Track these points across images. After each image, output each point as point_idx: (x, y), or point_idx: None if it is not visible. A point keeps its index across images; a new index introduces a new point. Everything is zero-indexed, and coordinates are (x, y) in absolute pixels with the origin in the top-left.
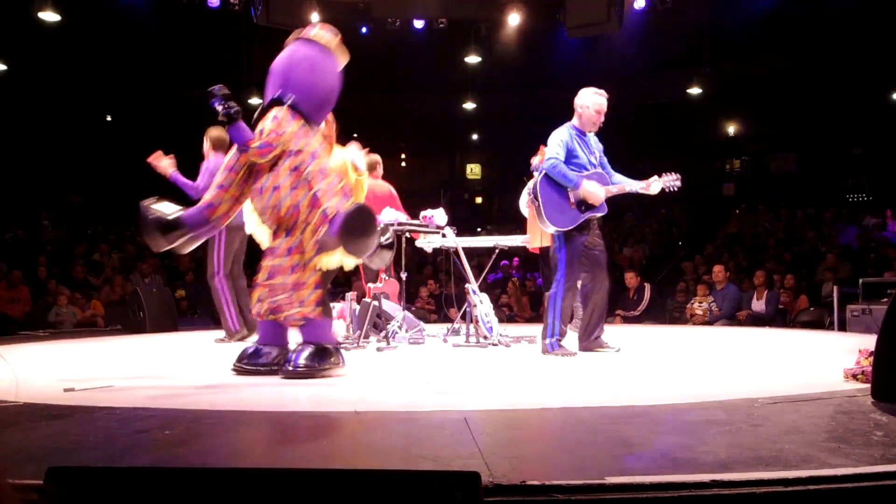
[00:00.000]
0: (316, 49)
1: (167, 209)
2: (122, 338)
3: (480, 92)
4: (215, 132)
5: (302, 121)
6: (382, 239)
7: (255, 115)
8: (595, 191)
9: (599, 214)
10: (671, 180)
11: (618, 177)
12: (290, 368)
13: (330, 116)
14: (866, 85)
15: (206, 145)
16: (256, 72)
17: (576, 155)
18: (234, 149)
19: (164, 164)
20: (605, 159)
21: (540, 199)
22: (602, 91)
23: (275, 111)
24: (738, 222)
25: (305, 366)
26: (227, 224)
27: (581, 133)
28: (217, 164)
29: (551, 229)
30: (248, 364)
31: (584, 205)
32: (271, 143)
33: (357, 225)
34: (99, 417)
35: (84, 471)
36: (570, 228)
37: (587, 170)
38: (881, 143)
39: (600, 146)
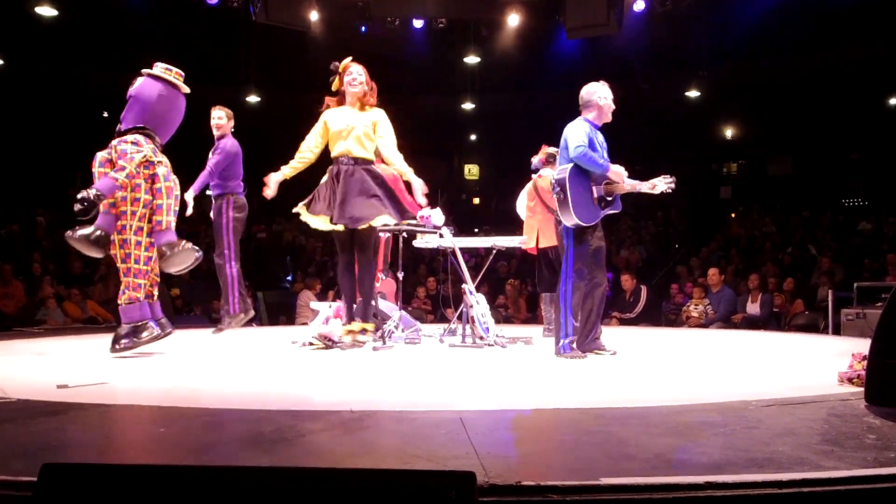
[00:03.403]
0: (172, 90)
1: (87, 229)
2: None
3: (479, 92)
4: (231, 112)
5: (153, 143)
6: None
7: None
8: (621, 171)
9: (615, 212)
10: (668, 181)
11: None
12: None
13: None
14: (863, 90)
15: (230, 124)
16: (255, 69)
17: (595, 148)
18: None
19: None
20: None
21: (569, 193)
22: (602, 82)
23: (135, 136)
24: (734, 225)
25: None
26: (236, 205)
27: (595, 127)
28: (236, 144)
29: (572, 222)
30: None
31: (603, 201)
32: (126, 166)
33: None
34: (93, 414)
35: (78, 468)
36: (591, 225)
37: None
38: (877, 148)
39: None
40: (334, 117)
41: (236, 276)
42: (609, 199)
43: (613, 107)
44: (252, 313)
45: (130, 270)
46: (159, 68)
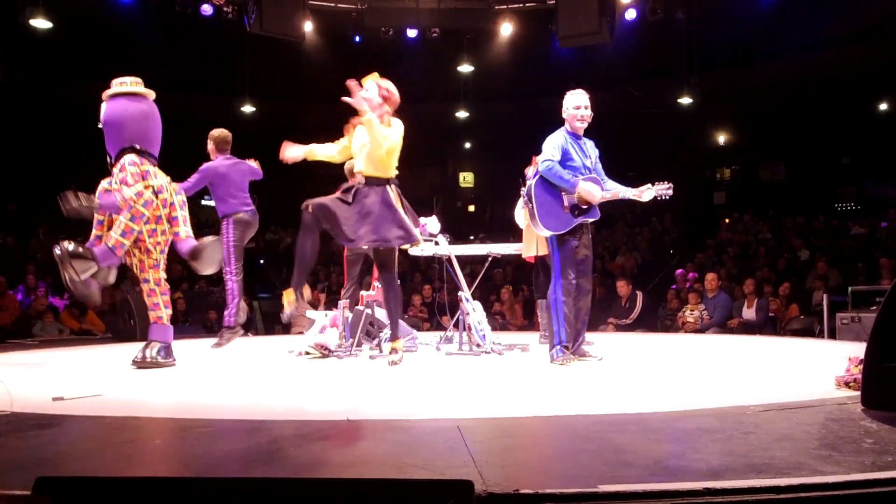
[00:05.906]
0: (138, 100)
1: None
2: (113, 346)
3: (473, 100)
4: (217, 132)
5: (147, 162)
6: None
7: (111, 163)
8: (591, 190)
9: (592, 220)
10: (663, 189)
11: (611, 183)
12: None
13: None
14: (854, 95)
15: (210, 146)
16: (250, 80)
17: (570, 158)
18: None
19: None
20: (599, 165)
21: (534, 202)
22: (576, 90)
23: (131, 157)
24: (728, 231)
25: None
26: (235, 224)
27: (575, 137)
28: (221, 164)
29: (544, 233)
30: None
31: (576, 209)
32: (139, 189)
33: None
34: (89, 426)
35: (73, 480)
36: (562, 233)
37: (581, 173)
38: (868, 153)
39: (596, 151)
40: (357, 133)
41: (236, 289)
42: (584, 206)
43: (582, 113)
44: (241, 332)
45: (155, 291)
46: (115, 84)
